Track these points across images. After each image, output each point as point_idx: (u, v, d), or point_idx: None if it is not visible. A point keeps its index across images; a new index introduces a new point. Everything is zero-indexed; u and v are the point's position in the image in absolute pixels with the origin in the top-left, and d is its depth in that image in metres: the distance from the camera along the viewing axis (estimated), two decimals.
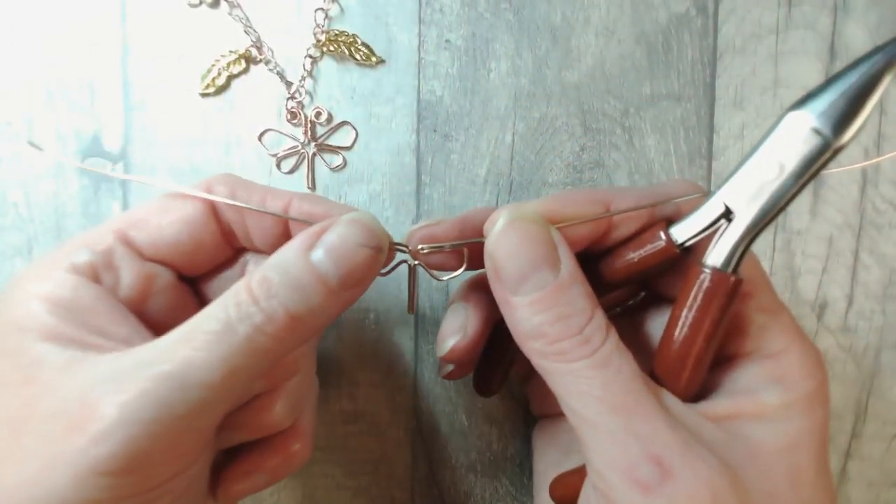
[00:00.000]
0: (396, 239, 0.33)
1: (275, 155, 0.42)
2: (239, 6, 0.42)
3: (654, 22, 0.42)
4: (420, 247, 0.32)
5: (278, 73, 0.42)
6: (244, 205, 0.32)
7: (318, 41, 0.42)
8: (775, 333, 0.30)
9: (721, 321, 0.28)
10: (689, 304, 0.28)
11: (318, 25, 0.42)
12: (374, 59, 0.42)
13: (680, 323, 0.29)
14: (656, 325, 0.34)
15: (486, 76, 0.43)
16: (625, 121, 0.43)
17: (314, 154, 0.42)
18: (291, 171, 0.43)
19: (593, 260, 0.32)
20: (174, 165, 0.42)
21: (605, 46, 0.42)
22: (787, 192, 0.27)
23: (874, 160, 0.43)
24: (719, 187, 0.29)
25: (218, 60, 0.42)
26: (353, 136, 0.43)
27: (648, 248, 0.30)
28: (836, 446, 0.44)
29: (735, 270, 0.28)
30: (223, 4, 0.42)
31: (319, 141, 0.42)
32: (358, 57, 0.42)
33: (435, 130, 0.43)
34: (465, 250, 0.33)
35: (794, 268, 0.44)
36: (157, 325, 0.31)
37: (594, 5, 0.42)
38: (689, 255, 0.30)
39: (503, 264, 0.29)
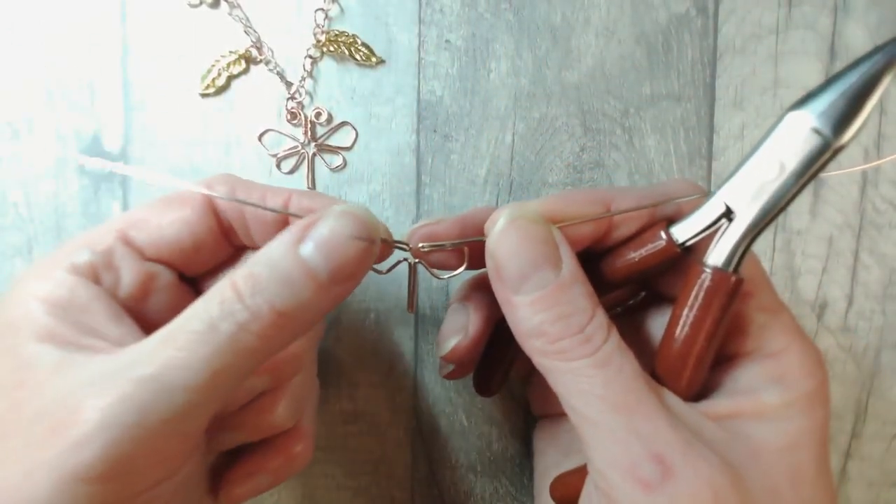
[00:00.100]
0: (396, 237, 0.33)
1: (275, 155, 0.42)
2: (239, 6, 0.42)
3: (654, 22, 0.42)
4: (421, 245, 0.32)
5: (278, 73, 0.42)
6: (243, 200, 0.32)
7: (318, 41, 0.42)
8: (776, 333, 0.30)
9: (722, 320, 0.28)
10: (690, 303, 0.28)
11: (318, 25, 0.42)
12: (374, 59, 0.42)
13: (681, 322, 0.29)
14: (657, 324, 0.34)
15: (486, 76, 0.43)
16: (625, 121, 0.43)
17: (314, 154, 0.42)
18: (291, 172, 0.43)
19: (594, 259, 0.32)
20: (174, 165, 0.42)
21: (605, 46, 0.43)
22: (787, 191, 0.27)
23: (874, 163, 0.43)
24: (720, 187, 0.29)
25: (218, 60, 0.42)
26: (353, 136, 0.43)
27: (649, 248, 0.30)
28: (836, 446, 0.44)
29: (736, 270, 0.28)
30: (223, 4, 0.42)
31: (319, 141, 0.42)
32: (358, 57, 0.42)
33: (435, 130, 0.43)
34: (466, 249, 0.33)
35: (794, 268, 0.44)
36: (157, 325, 0.31)
37: (594, 5, 0.42)
38: (689, 254, 0.30)
39: (504, 263, 0.29)
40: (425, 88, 0.42)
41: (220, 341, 0.26)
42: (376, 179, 0.43)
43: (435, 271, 0.33)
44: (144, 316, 0.32)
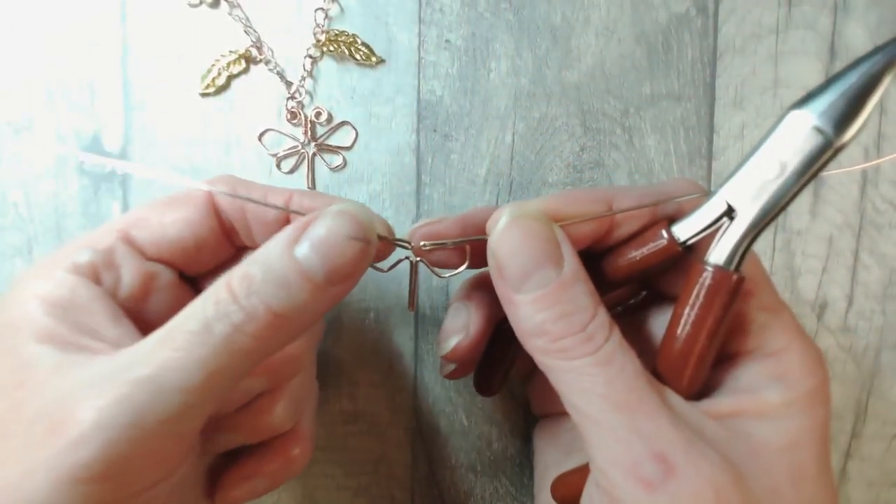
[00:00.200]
0: (396, 236, 0.33)
1: (275, 155, 0.42)
2: (239, 6, 0.42)
3: (654, 22, 0.43)
4: (422, 243, 0.32)
5: (278, 73, 0.42)
6: (245, 197, 0.32)
7: (318, 41, 0.42)
8: (776, 332, 0.30)
9: (723, 319, 0.28)
10: (691, 302, 0.28)
11: (318, 25, 0.42)
12: (374, 59, 0.42)
13: (682, 321, 0.29)
14: (658, 323, 0.34)
15: (486, 76, 0.43)
16: (625, 121, 0.43)
17: (314, 154, 0.42)
18: (291, 171, 0.43)
19: (595, 259, 0.32)
20: (174, 165, 0.42)
21: (605, 46, 0.43)
22: (788, 190, 0.27)
23: (874, 162, 0.43)
24: (721, 186, 0.29)
25: (218, 60, 0.42)
26: (353, 136, 0.43)
27: (651, 247, 0.30)
28: (836, 446, 0.44)
29: (737, 268, 0.28)
30: (223, 4, 0.42)
31: (319, 141, 0.42)
32: (358, 57, 0.42)
33: (435, 130, 0.43)
34: (468, 248, 0.33)
35: (794, 268, 0.44)
36: (157, 325, 0.31)
37: (594, 5, 0.42)
38: (690, 253, 0.30)
39: (506, 262, 0.29)
40: (425, 88, 0.42)
41: (215, 342, 0.26)
42: (376, 179, 0.43)
43: (437, 270, 0.33)
44: (145, 315, 0.32)
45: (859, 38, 0.43)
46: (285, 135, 0.42)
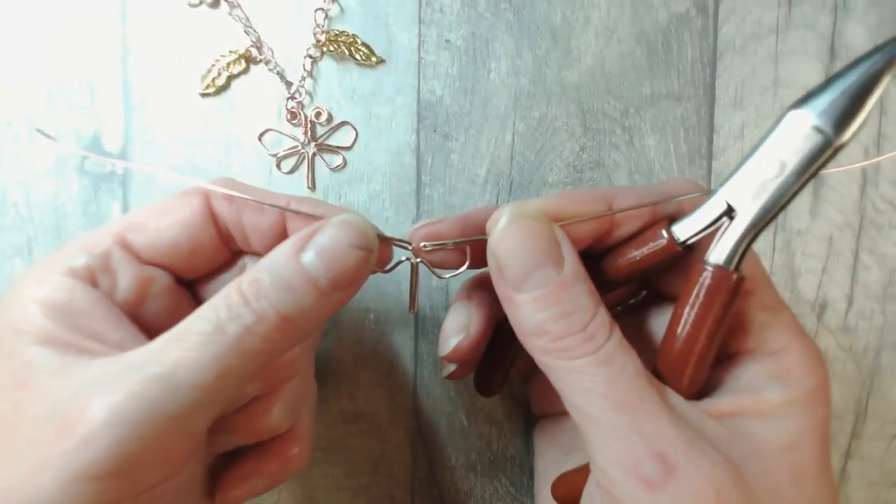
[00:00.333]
0: (397, 235, 0.33)
1: (275, 155, 0.42)
2: (239, 6, 0.42)
3: (654, 22, 0.43)
4: (423, 244, 0.32)
5: (278, 73, 0.42)
6: (245, 195, 0.32)
7: (318, 41, 0.42)
8: (776, 331, 0.30)
9: (724, 318, 0.28)
10: (691, 301, 0.28)
11: (318, 25, 0.42)
12: (374, 59, 0.42)
13: (682, 320, 0.29)
14: (658, 323, 0.34)
15: (486, 76, 0.43)
16: (625, 121, 0.43)
17: (314, 154, 0.42)
18: (291, 171, 0.43)
19: (595, 258, 0.32)
20: (174, 165, 0.42)
21: (605, 46, 0.43)
22: (788, 189, 0.27)
23: (874, 160, 0.43)
24: (721, 185, 0.29)
25: (218, 60, 0.42)
26: (353, 136, 0.43)
27: (651, 246, 0.30)
28: (836, 446, 0.45)
29: (737, 268, 0.28)
30: (223, 4, 0.42)
31: (319, 141, 0.42)
32: (358, 57, 0.42)
33: (435, 130, 0.43)
34: (468, 248, 0.33)
35: (794, 268, 0.44)
36: (154, 329, 0.31)
37: (594, 5, 0.42)
38: (690, 253, 0.30)
39: (506, 261, 0.29)
40: (425, 88, 0.42)
41: (228, 342, 0.27)
42: (376, 179, 0.43)
43: (437, 270, 0.34)
44: (141, 319, 0.32)
45: (859, 38, 0.43)
46: (285, 135, 0.42)
